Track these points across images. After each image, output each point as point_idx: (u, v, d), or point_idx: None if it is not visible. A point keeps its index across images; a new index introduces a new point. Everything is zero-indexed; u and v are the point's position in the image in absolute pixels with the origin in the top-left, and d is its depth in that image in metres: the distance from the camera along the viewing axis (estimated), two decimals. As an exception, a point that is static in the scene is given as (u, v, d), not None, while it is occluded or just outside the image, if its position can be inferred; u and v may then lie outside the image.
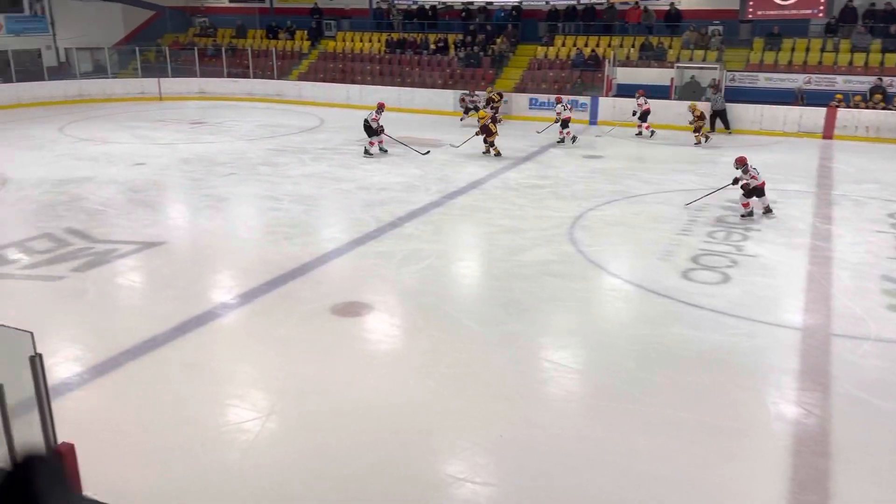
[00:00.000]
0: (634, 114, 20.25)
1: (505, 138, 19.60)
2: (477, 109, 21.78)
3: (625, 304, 8.85)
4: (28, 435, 3.48)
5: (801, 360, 7.20)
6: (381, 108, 17.53)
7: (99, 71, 28.87)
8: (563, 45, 25.88)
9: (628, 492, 5.18)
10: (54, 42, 28.72)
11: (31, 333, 3.40)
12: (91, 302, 8.55)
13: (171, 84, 27.74)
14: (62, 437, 3.80)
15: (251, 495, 5.11)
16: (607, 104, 22.64)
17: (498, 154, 17.20)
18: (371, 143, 17.26)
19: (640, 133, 20.23)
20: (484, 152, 17.33)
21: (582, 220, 11.95)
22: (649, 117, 20.09)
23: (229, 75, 28.26)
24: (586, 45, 25.37)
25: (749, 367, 7.07)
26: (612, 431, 5.91)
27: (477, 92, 23.35)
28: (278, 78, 28.06)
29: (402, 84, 26.00)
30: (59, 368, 6.67)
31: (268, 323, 8.01)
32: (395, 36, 28.32)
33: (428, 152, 17.40)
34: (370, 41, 28.84)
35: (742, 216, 12.12)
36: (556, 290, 9.02)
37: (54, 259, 9.80)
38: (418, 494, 5.17)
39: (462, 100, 23.35)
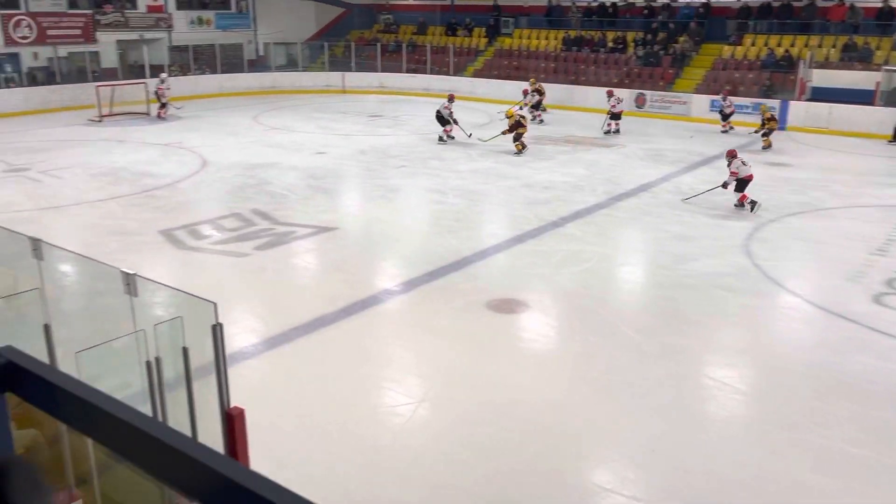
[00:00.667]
0: (721, 111, 20.59)
1: (681, 140, 18.74)
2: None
3: (803, 325, 8.15)
4: (205, 396, 3.80)
5: None
6: (451, 98, 18.96)
7: (291, 64, 31.04)
8: (753, 44, 24.28)
9: (791, 529, 4.77)
10: (255, 37, 31.23)
11: (215, 304, 3.69)
12: (269, 279, 9.21)
13: (354, 78, 29.21)
14: (234, 401, 4.11)
15: (399, 477, 5.27)
16: (799, 108, 20.97)
17: (523, 148, 17.12)
18: (445, 132, 18.34)
19: (725, 131, 20.29)
20: (515, 153, 16.98)
21: (760, 231, 11.16)
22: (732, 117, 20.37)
23: (408, 71, 29.29)
24: (779, 45, 23.63)
25: (948, 409, 6.26)
26: (778, 462, 5.47)
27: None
28: (454, 74, 28.67)
29: (576, 82, 25.63)
30: (237, 338, 7.25)
31: (426, 312, 8.22)
32: (571, 33, 27.96)
33: (471, 135, 18.44)
34: (546, 38, 28.70)
35: (735, 205, 12.41)
36: (726, 304, 8.49)
37: (241, 237, 10.66)
38: (563, 499, 5.08)
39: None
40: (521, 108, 19.51)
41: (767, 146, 18.00)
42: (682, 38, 25.24)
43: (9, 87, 23.02)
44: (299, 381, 6.66)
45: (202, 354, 3.86)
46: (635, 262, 10.43)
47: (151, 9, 27.77)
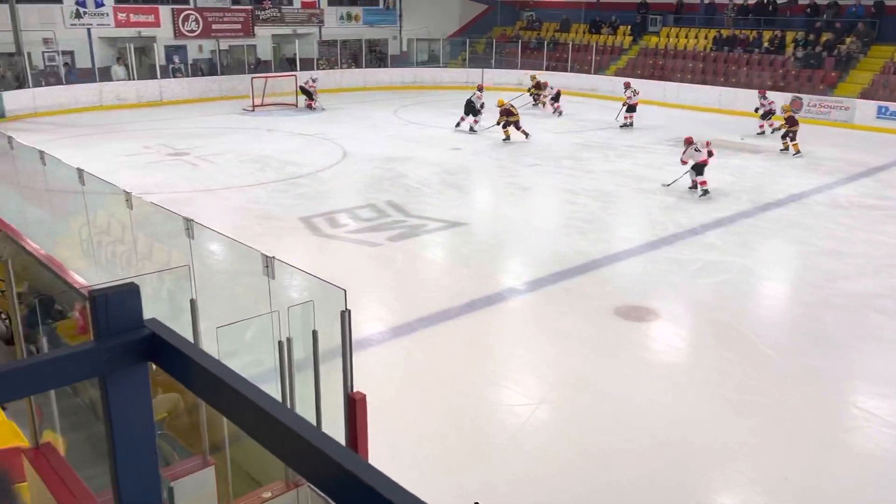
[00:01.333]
0: (757, 110, 19.60)
1: (841, 149, 17.39)
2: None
3: (972, 359, 7.32)
4: (330, 379, 3.93)
5: None
6: (481, 88, 19.98)
7: (432, 60, 31.62)
8: (932, 46, 22.10)
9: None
10: (399, 33, 32.06)
11: (345, 291, 3.80)
12: (398, 269, 9.43)
13: (494, 75, 29.30)
14: (357, 386, 4.23)
15: (513, 478, 5.23)
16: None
17: (526, 136, 17.81)
18: (476, 122, 19.12)
19: (762, 132, 19.35)
20: (504, 139, 17.74)
21: (926, 252, 10.15)
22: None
23: (548, 68, 29.01)
24: (962, 47, 21.36)
25: None
26: (932, 508, 4.95)
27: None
28: (595, 73, 28.11)
29: (726, 84, 24.37)
30: (364, 325, 7.46)
31: (551, 314, 8.10)
32: (724, 32, 26.60)
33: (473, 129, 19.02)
34: (695, 38, 27.50)
35: (689, 188, 13.11)
36: (881, 328, 7.78)
37: (374, 227, 10.98)
38: (682, 520, 4.85)
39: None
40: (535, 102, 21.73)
41: (795, 152, 16.60)
42: (849, 39, 23.38)
43: (175, 76, 24.94)
44: (420, 371, 6.77)
45: (330, 338, 3.99)
46: (779, 276, 9.78)
47: (305, 5, 29.15)
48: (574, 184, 13.93)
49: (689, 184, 13.16)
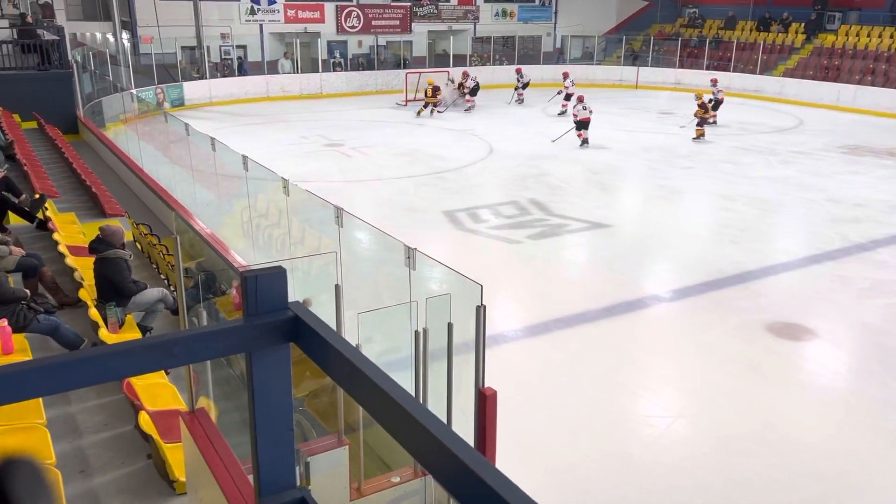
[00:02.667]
0: (710, 102, 18.98)
1: None
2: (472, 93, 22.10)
3: None
4: (461, 373, 3.96)
5: None
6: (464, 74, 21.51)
7: (586, 57, 31.06)
8: None
9: None
10: (554, 29, 31.76)
11: (482, 286, 3.81)
12: (537, 268, 9.35)
13: (649, 73, 28.34)
14: (488, 382, 4.24)
15: (643, 491, 5.04)
16: None
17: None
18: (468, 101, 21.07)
19: (714, 122, 19.16)
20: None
21: None
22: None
23: (708, 67, 27.64)
24: None
25: None
26: None
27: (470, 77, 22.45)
28: (760, 73, 26.44)
29: (913, 87, 22.14)
30: (499, 321, 7.46)
31: (696, 325, 7.73)
32: (913, 30, 24.16)
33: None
34: (879, 37, 25.15)
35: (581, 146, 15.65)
36: None
37: (515, 224, 10.96)
38: (829, 560, 4.47)
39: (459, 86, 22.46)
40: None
41: (698, 136, 17.44)
42: None
43: (335, 70, 26.15)
44: (554, 372, 6.67)
45: (464, 332, 4.02)
46: (963, 303, 8.76)
47: (462, 1, 29.58)
48: (730, 189, 13.18)
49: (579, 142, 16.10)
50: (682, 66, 28.17)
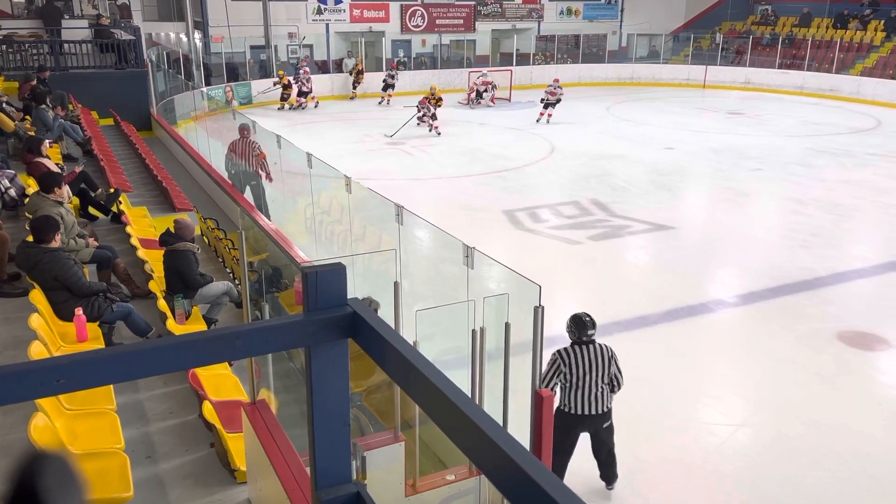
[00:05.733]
0: (542, 101, 19.20)
1: None
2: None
3: None
4: (517, 373, 3.94)
5: None
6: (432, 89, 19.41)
7: (652, 56, 30.47)
8: None
9: None
10: (620, 28, 31.27)
11: (540, 287, 3.78)
12: (598, 270, 9.23)
13: (718, 72, 27.59)
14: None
15: (702, 498, 4.92)
16: None
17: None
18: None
19: (538, 121, 19.06)
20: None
21: None
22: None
23: (781, 66, 26.75)
24: None
25: None
26: None
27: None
28: (836, 72, 25.42)
29: None
30: (557, 322, 7.39)
31: (762, 331, 7.49)
32: None
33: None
34: (967, 33, 23.90)
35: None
36: None
37: (576, 225, 10.84)
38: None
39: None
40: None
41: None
42: None
43: (400, 69, 26.36)
44: (613, 376, 6.57)
45: (521, 332, 4.00)
46: None
47: (526, 0, 29.41)
48: (802, 192, 12.73)
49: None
50: (752, 64, 27.33)
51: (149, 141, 14.35)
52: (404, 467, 3.80)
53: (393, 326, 1.56)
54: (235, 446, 3.67)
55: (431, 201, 12.21)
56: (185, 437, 4.14)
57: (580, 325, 4.89)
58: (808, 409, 6.01)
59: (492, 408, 3.74)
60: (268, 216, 9.42)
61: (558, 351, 4.78)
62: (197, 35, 22.81)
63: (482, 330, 3.98)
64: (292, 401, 4.02)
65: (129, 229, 6.90)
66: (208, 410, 3.81)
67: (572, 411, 4.75)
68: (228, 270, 7.02)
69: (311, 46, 25.70)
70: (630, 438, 5.60)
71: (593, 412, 4.75)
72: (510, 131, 18.62)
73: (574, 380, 4.71)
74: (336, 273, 1.60)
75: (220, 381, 4.44)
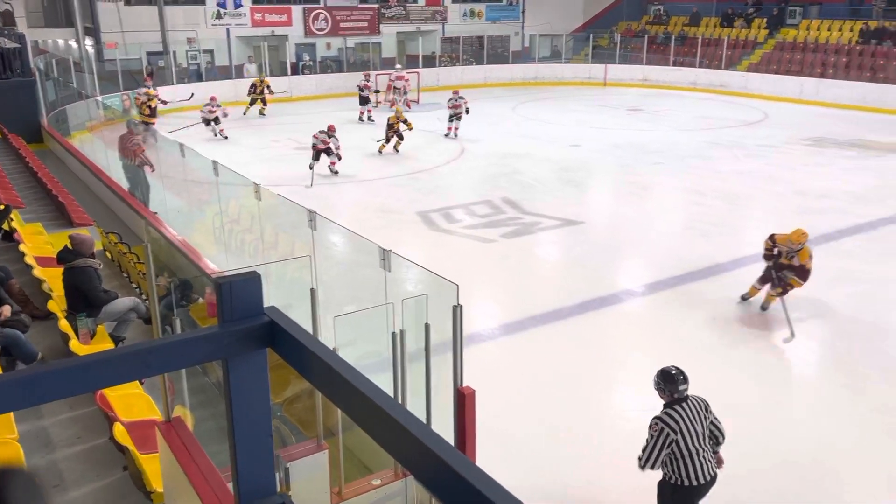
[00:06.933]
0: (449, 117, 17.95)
1: None
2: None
3: None
4: (440, 373, 3.97)
5: None
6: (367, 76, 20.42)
7: (554, 56, 31.27)
8: None
9: None
10: (522, 29, 31.91)
11: (457, 286, 3.82)
12: (512, 267, 9.39)
13: (617, 70, 28.60)
14: (466, 381, 4.25)
15: (622, 484, 5.08)
16: None
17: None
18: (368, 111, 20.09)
19: (447, 135, 17.83)
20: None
21: None
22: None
23: (675, 63, 27.99)
24: None
25: None
26: None
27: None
28: (725, 68, 26.83)
29: (873, 79, 22.61)
30: (476, 321, 7.48)
31: (670, 319, 7.81)
32: (872, 24, 24.67)
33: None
34: (840, 30, 25.66)
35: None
36: None
37: (489, 223, 11.00)
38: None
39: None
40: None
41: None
42: None
43: (304, 73, 26.00)
44: (531, 369, 6.71)
45: (442, 332, 4.03)
46: (927, 289, 8.98)
47: (430, 2, 29.58)
48: (700, 184, 13.36)
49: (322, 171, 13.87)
50: (649, 62, 28.47)
51: (40, 154, 13.59)
52: (329, 475, 3.76)
53: (311, 334, 1.54)
54: (151, 467, 3.53)
55: (345, 205, 12.11)
56: (95, 462, 3.95)
57: (670, 381, 4.32)
58: (714, 391, 6.29)
59: (415, 408, 3.75)
60: (146, 203, 10.05)
61: (659, 418, 4.21)
62: (88, 41, 21.78)
63: (402, 332, 3.99)
64: (209, 416, 3.91)
65: (22, 247, 6.52)
66: (120, 432, 3.65)
67: (693, 482, 4.15)
68: (135, 286, 6.75)
69: (211, 52, 24.97)
70: (550, 429, 5.73)
71: (709, 477, 4.22)
72: (420, 133, 18.67)
73: (684, 446, 4.13)
74: (251, 282, 1.57)
75: (132, 401, 4.26)
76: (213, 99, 17.91)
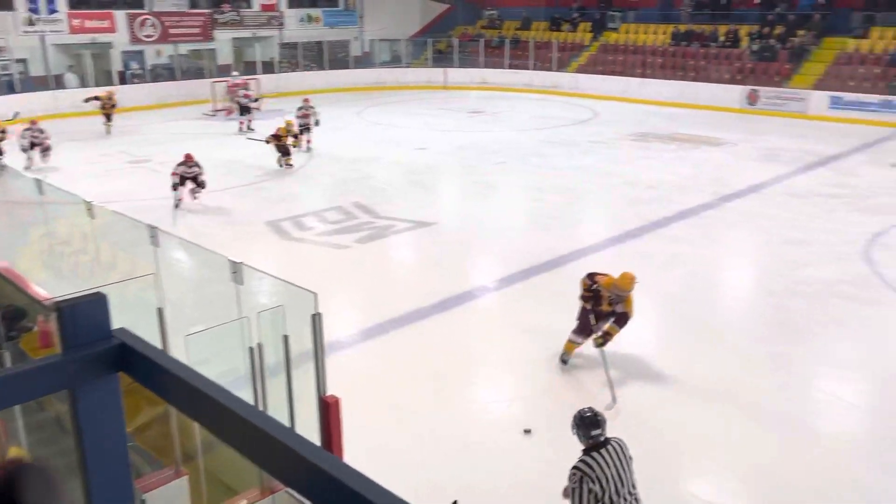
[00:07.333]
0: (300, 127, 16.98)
1: (798, 139, 17.74)
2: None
3: (929, 340, 7.55)
4: (302, 383, 3.91)
5: None
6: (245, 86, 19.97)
7: (395, 60, 31.56)
8: (881, 37, 22.67)
9: (910, 560, 4.42)
10: (361, 34, 31.94)
11: (315, 294, 3.78)
12: (368, 271, 9.40)
13: (457, 74, 29.36)
14: (330, 390, 4.21)
15: (488, 473, 5.24)
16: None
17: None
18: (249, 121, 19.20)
19: (297, 147, 15.82)
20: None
21: (884, 237, 10.41)
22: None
23: (510, 66, 29.16)
24: (910, 38, 21.96)
25: None
26: (890, 481, 5.09)
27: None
28: (557, 70, 28.32)
29: (685, 78, 24.76)
30: (336, 328, 7.41)
31: (522, 310, 8.15)
32: (681, 28, 27.01)
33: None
34: (654, 33, 27.88)
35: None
36: (843, 313, 7.98)
37: (342, 229, 10.93)
38: (656, 509, 4.91)
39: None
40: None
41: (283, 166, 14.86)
42: (801, 32, 23.90)
43: (133, 83, 24.51)
44: (394, 372, 6.75)
45: (302, 343, 3.97)
46: (743, 266, 9.97)
47: (265, 7, 28.87)
48: (540, 181, 14.02)
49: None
50: (486, 65, 29.46)
51: None
52: (191, 502, 3.59)
53: (167, 353, 1.47)
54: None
55: (189, 219, 11.56)
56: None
57: (586, 425, 4.09)
58: (568, 375, 6.66)
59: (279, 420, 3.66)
60: None
61: (577, 467, 3.97)
62: None
63: (259, 346, 3.89)
64: (52, 454, 3.60)
65: None
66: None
67: None
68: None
69: (24, 61, 22.90)
70: (417, 430, 5.80)
71: None
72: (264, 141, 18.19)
73: (606, 496, 3.89)
74: (96, 304, 1.48)
75: (-44, 449, 3.84)
76: (34, 123, 15.69)
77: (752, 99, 22.59)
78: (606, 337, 6.46)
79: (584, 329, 6.56)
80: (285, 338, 3.82)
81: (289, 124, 15.09)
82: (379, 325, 7.67)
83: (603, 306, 6.48)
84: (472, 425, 5.88)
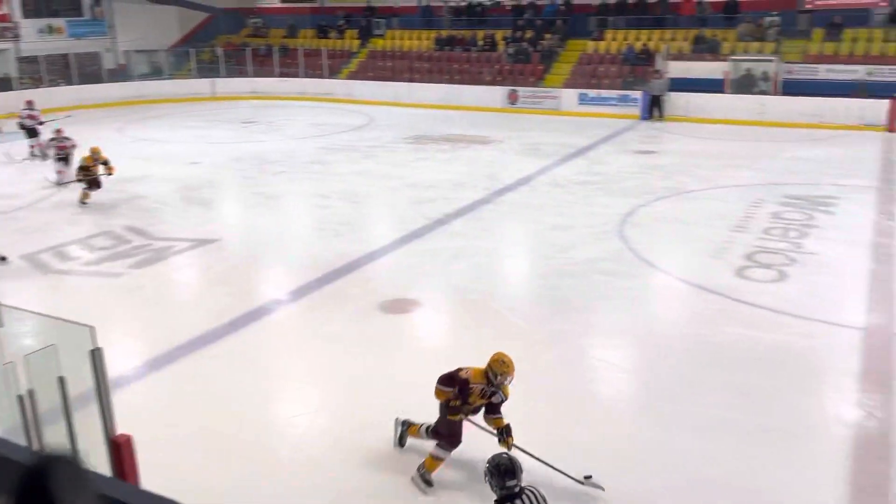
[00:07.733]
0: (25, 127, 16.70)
1: (555, 134, 19.41)
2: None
3: (677, 302, 8.69)
4: (88, 426, 3.60)
5: (863, 361, 6.96)
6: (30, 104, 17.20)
7: (156, 72, 29.66)
8: (614, 39, 25.53)
9: (678, 494, 5.08)
10: (113, 45, 29.59)
11: (92, 328, 3.50)
12: (148, 298, 8.80)
13: (225, 84, 28.30)
14: (120, 428, 3.92)
15: (301, 486, 5.18)
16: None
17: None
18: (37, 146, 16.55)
19: (60, 183, 13.80)
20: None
21: (633, 216, 11.78)
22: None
23: (281, 75, 28.69)
24: (637, 40, 24.98)
25: (807, 367, 6.86)
26: (662, 432, 5.81)
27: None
28: (329, 77, 28.38)
29: (451, 81, 26.02)
30: (118, 362, 6.86)
31: (318, 319, 8.11)
32: (443, 33, 28.34)
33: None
34: (419, 39, 28.95)
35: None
36: (606, 288, 8.91)
37: (113, 256, 10.11)
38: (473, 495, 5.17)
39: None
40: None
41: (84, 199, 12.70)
42: (548, 35, 26.16)
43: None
44: (189, 400, 6.41)
45: (82, 382, 3.65)
46: (519, 253, 10.74)
47: (-5, 17, 25.74)
48: (324, 188, 14.00)
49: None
50: (256, 74, 28.73)
51: None
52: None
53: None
54: None
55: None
56: None
57: (501, 474, 3.87)
58: (370, 377, 6.75)
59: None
60: None
61: None
62: None
63: (30, 392, 3.52)
64: None
65: None
66: None
67: None
68: None
69: None
70: (219, 457, 5.56)
71: None
72: (10, 165, 16.26)
73: None
74: None
75: None
76: None
77: (513, 99, 24.34)
78: (504, 433, 5.25)
79: (456, 441, 5.30)
80: (61, 379, 3.50)
81: (94, 151, 12.78)
82: (166, 353, 7.22)
83: (478, 399, 5.25)
84: (278, 442, 5.77)
